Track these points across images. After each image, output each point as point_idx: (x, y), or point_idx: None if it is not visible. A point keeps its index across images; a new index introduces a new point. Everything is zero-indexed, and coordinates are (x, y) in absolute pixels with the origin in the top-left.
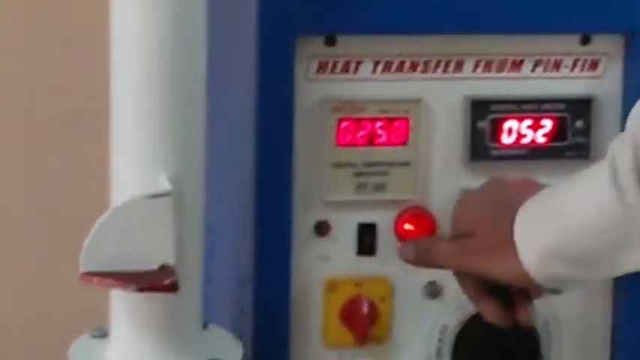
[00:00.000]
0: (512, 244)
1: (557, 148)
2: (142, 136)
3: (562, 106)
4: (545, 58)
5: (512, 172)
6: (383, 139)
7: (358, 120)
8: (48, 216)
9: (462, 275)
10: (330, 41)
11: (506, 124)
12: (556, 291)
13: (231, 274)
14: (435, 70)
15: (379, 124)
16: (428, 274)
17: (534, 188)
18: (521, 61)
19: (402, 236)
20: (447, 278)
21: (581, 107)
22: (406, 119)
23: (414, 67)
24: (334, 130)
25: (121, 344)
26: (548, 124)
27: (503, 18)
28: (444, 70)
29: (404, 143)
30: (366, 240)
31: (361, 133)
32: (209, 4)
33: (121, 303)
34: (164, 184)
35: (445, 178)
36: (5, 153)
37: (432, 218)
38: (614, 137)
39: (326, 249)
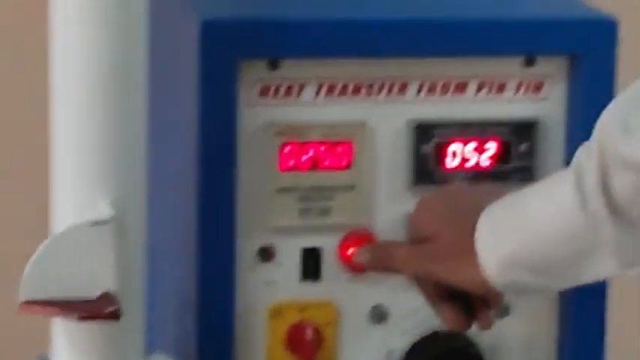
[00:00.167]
0: (473, 251)
1: (501, 171)
2: (81, 161)
3: (506, 128)
4: (488, 81)
5: None
6: (327, 163)
7: (302, 144)
8: None
9: (421, 280)
10: (273, 65)
11: (451, 148)
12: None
13: (176, 300)
14: (378, 94)
15: (323, 148)
16: (373, 298)
17: (495, 192)
18: (465, 84)
19: (346, 261)
20: (392, 303)
21: (525, 130)
22: (350, 143)
23: (357, 90)
24: (278, 155)
25: None
26: (492, 147)
27: (447, 40)
28: (388, 94)
29: (348, 167)
30: (311, 265)
31: (305, 157)
32: (150, 28)
33: (62, 331)
34: (105, 210)
35: (390, 202)
36: None
37: (377, 242)
38: (559, 160)
39: (270, 274)
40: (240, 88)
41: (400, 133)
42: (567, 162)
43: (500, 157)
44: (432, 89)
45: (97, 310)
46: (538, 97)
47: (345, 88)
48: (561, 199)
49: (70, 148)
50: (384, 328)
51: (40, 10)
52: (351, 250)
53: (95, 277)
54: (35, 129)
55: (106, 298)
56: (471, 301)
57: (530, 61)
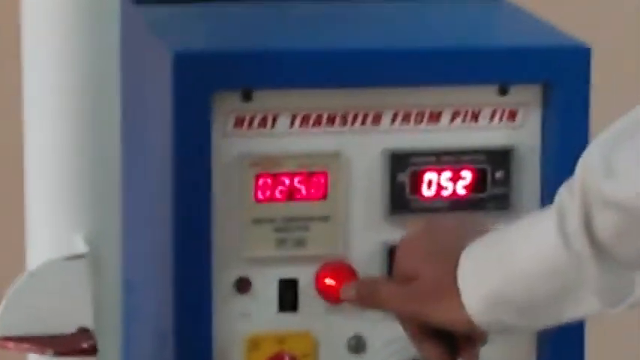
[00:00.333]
0: (456, 290)
1: (477, 199)
2: (55, 196)
3: (481, 157)
4: (463, 109)
5: None
6: (302, 193)
7: (277, 175)
8: None
9: (404, 318)
10: (247, 96)
11: (426, 176)
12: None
13: (152, 334)
14: (353, 124)
15: (298, 178)
16: (351, 328)
17: (479, 228)
18: (440, 113)
19: (323, 291)
20: (370, 332)
21: (500, 158)
22: (325, 173)
23: (331, 120)
24: (253, 186)
25: None
26: (467, 175)
27: (420, 70)
28: (362, 123)
29: (323, 198)
30: (288, 296)
31: (280, 188)
32: (123, 60)
33: None
34: (80, 245)
35: (366, 232)
36: None
37: (354, 272)
38: (535, 187)
39: (247, 306)
40: (214, 119)
41: (375, 163)
42: (543, 189)
43: (476, 185)
44: (406, 118)
45: (72, 345)
46: (513, 125)
47: (319, 118)
48: (544, 238)
49: (44, 183)
50: (363, 358)
51: (11, 43)
52: (328, 281)
53: (71, 312)
54: (9, 163)
55: (82, 333)
56: (455, 338)
57: (504, 90)
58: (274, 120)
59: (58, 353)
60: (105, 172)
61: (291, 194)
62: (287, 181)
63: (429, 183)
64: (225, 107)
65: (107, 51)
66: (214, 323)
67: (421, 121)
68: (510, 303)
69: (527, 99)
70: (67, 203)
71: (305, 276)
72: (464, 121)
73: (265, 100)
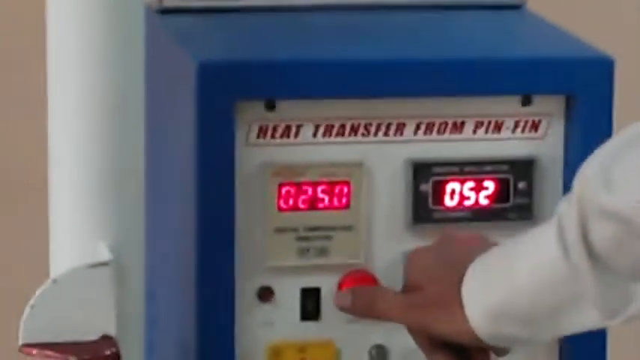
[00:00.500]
0: (460, 303)
1: (500, 209)
2: (80, 205)
3: (504, 167)
4: (486, 120)
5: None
6: (325, 203)
7: (299, 184)
8: None
9: (413, 329)
10: (270, 106)
11: (449, 187)
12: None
13: (174, 343)
14: (375, 134)
15: (321, 188)
16: (373, 338)
17: (484, 245)
18: (463, 123)
19: None
20: (392, 342)
21: (523, 168)
22: (348, 183)
23: (355, 130)
24: (276, 195)
25: None
26: (490, 185)
27: (444, 80)
28: (385, 134)
29: (346, 207)
30: (310, 305)
31: (303, 197)
32: (147, 70)
33: None
34: (104, 253)
35: (388, 242)
36: None
37: (376, 281)
38: (557, 198)
39: (269, 315)
40: (237, 128)
41: (398, 173)
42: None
43: (499, 195)
44: (429, 129)
45: (95, 352)
46: (535, 135)
47: (342, 128)
48: (545, 250)
49: (68, 191)
50: None
51: (39, 51)
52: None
53: (94, 319)
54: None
55: (105, 340)
56: (466, 350)
57: (527, 101)
58: (297, 129)
59: None
60: (129, 180)
61: (313, 203)
62: (310, 191)
63: (452, 193)
64: (249, 117)
65: (132, 61)
66: (237, 332)
67: (444, 131)
68: (513, 315)
69: (551, 110)
70: (91, 211)
71: (327, 285)
72: (487, 131)
73: (288, 109)
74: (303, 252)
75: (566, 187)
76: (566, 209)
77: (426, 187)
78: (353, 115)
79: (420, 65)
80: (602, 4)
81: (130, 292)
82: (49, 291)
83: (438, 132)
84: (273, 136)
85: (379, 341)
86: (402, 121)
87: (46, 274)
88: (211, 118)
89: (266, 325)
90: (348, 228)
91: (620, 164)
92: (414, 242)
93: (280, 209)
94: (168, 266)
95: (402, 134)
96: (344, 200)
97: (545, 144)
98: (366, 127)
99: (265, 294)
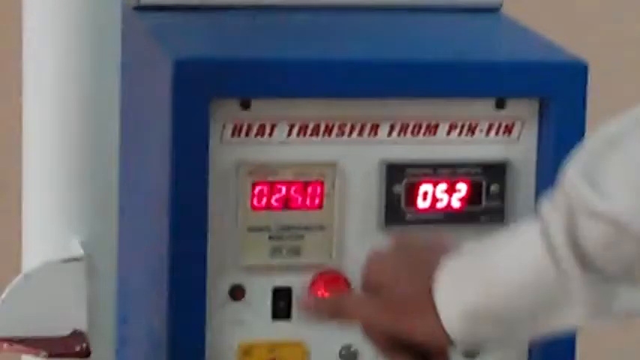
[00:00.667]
0: (432, 304)
1: (472, 212)
2: (53, 200)
3: (477, 170)
4: (460, 122)
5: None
6: (298, 202)
7: (273, 183)
8: None
9: (370, 330)
10: (245, 104)
11: (422, 188)
12: (471, 354)
13: (146, 339)
14: (350, 134)
15: (294, 187)
16: (343, 338)
17: (450, 246)
18: (437, 125)
19: None
20: (362, 342)
21: (496, 171)
22: (321, 183)
23: (329, 130)
24: (249, 194)
25: None
26: (463, 188)
27: (419, 82)
28: (359, 134)
29: (319, 207)
30: (281, 304)
31: (276, 196)
32: (123, 66)
33: None
34: (76, 249)
35: (360, 242)
36: None
37: (348, 282)
38: (530, 201)
39: (241, 313)
40: (212, 127)
41: (371, 174)
42: (537, 203)
43: (471, 198)
44: (403, 130)
45: (66, 347)
46: (509, 138)
47: (316, 128)
48: (527, 249)
49: (42, 186)
50: None
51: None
52: (322, 290)
53: (65, 314)
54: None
55: (76, 336)
56: (426, 351)
57: (501, 104)
58: (272, 129)
59: (51, 355)
60: (103, 176)
61: (287, 203)
62: (283, 190)
63: (425, 195)
64: (224, 115)
65: (108, 58)
66: (208, 330)
67: (418, 133)
68: (491, 316)
69: (524, 113)
70: (65, 207)
71: (299, 285)
72: (460, 133)
73: (263, 108)
74: (275, 251)
75: (539, 190)
76: (551, 211)
77: (399, 189)
78: (327, 115)
79: (395, 67)
80: (577, 9)
81: (102, 288)
82: (21, 285)
83: (412, 133)
84: (247, 135)
85: (349, 342)
86: (376, 122)
87: (19, 269)
88: (186, 116)
89: (237, 324)
90: (320, 228)
91: (606, 166)
92: (386, 243)
93: (253, 208)
94: (141, 263)
95: (376, 135)
96: (317, 200)
97: (519, 147)
98: (340, 128)
99: (237, 292)
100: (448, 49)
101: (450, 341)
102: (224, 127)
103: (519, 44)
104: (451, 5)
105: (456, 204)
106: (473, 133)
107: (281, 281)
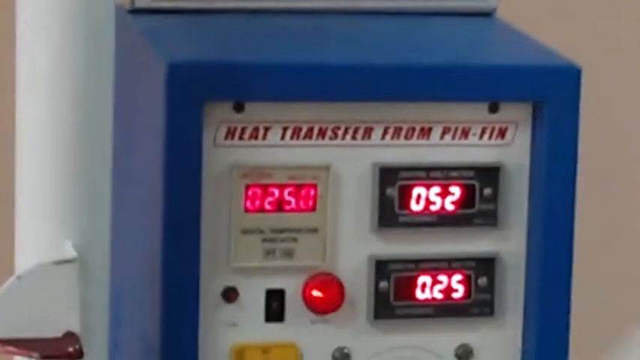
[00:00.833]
0: None
1: (465, 215)
2: (46, 201)
3: (470, 173)
4: (453, 126)
5: (421, 239)
6: (291, 205)
7: (266, 186)
8: None
9: None
10: (239, 107)
11: (415, 191)
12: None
13: (139, 341)
14: (343, 137)
15: (288, 190)
16: (336, 341)
17: None
18: (430, 129)
19: (310, 302)
20: (355, 345)
21: (489, 175)
22: (315, 186)
23: (322, 133)
24: (242, 196)
25: None
26: (456, 191)
27: (412, 85)
28: (353, 137)
29: (312, 210)
30: (275, 306)
31: (269, 199)
32: (117, 69)
33: None
34: (69, 250)
35: (354, 245)
36: None
37: (341, 284)
38: (522, 204)
39: (234, 315)
40: (205, 129)
41: (365, 177)
42: (530, 206)
43: (464, 201)
44: (396, 133)
45: (58, 349)
46: (502, 142)
47: (310, 131)
48: None
49: (35, 188)
50: None
51: (7, 52)
52: (315, 293)
53: (58, 316)
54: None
55: (69, 337)
56: None
57: (494, 107)
58: (265, 132)
59: (43, 357)
60: (96, 178)
61: (280, 205)
62: (277, 193)
63: (418, 198)
64: (217, 118)
65: (101, 60)
66: (201, 332)
67: (411, 136)
68: None
69: (517, 117)
70: (57, 208)
71: (292, 287)
72: (454, 137)
73: (257, 111)
74: (268, 253)
75: (532, 194)
76: None
77: (392, 192)
78: (321, 118)
79: (389, 70)
80: (571, 13)
81: (95, 289)
82: (13, 287)
83: (405, 137)
84: (241, 138)
85: (343, 344)
86: (369, 125)
87: (11, 271)
88: (180, 119)
89: (230, 326)
90: (313, 230)
91: None
92: (379, 246)
93: (247, 210)
94: (134, 264)
95: (369, 138)
96: (310, 203)
97: (512, 151)
98: (333, 131)
99: (230, 294)
100: (441, 53)
101: None
102: (217, 129)
103: (513, 48)
104: (446, 9)
105: (449, 207)
106: (466, 136)
107: (274, 283)
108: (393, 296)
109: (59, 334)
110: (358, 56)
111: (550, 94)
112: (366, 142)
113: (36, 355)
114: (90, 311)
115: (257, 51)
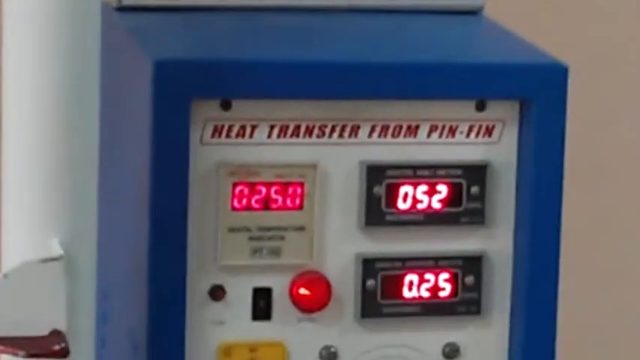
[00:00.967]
0: None
1: (452, 213)
2: (32, 199)
3: (457, 171)
4: (440, 124)
5: (408, 237)
6: (278, 203)
7: (253, 184)
8: None
9: None
10: (226, 105)
11: (402, 190)
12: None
13: (126, 340)
14: (330, 135)
15: (274, 188)
16: (323, 339)
17: None
18: (417, 127)
19: (297, 301)
20: (342, 343)
21: (476, 173)
22: (302, 184)
23: (309, 131)
24: (229, 195)
25: None
26: (443, 189)
27: (399, 83)
28: (340, 135)
29: (299, 208)
30: (262, 305)
31: (256, 197)
32: (103, 67)
33: None
34: (56, 248)
35: (341, 243)
36: None
37: (328, 283)
38: (509, 203)
39: (221, 314)
40: (192, 127)
41: (352, 175)
42: (517, 205)
43: (451, 199)
44: (383, 131)
45: (45, 347)
46: (489, 140)
47: (297, 129)
48: None
49: (21, 186)
50: None
51: None
52: (302, 291)
53: (44, 314)
54: None
55: (55, 335)
56: None
57: (481, 105)
58: (252, 130)
59: (30, 355)
60: (82, 176)
61: (267, 204)
62: (264, 191)
63: (405, 196)
64: (204, 116)
65: (88, 57)
66: (188, 330)
67: (398, 134)
68: None
69: (505, 115)
70: (44, 206)
71: (279, 285)
72: (441, 135)
73: (244, 109)
74: (255, 252)
75: (519, 192)
76: None
77: (379, 190)
78: (308, 116)
79: (375, 68)
80: (558, 12)
81: (82, 287)
82: (0, 285)
83: (393, 135)
84: (228, 136)
85: (330, 342)
86: (356, 123)
87: None
88: (166, 117)
89: (217, 324)
90: (300, 229)
91: None
92: (366, 244)
93: (234, 209)
94: (121, 262)
95: (356, 136)
96: (297, 201)
97: (499, 149)
98: (320, 129)
99: (217, 293)
100: (429, 51)
101: None
102: (204, 127)
103: (500, 46)
104: (432, 7)
105: (436, 205)
106: (453, 134)
107: (261, 281)
108: (380, 295)
109: (45, 332)
110: (345, 54)
111: (537, 93)
112: (353, 140)
113: (22, 353)
114: (76, 309)
115: (244, 49)
